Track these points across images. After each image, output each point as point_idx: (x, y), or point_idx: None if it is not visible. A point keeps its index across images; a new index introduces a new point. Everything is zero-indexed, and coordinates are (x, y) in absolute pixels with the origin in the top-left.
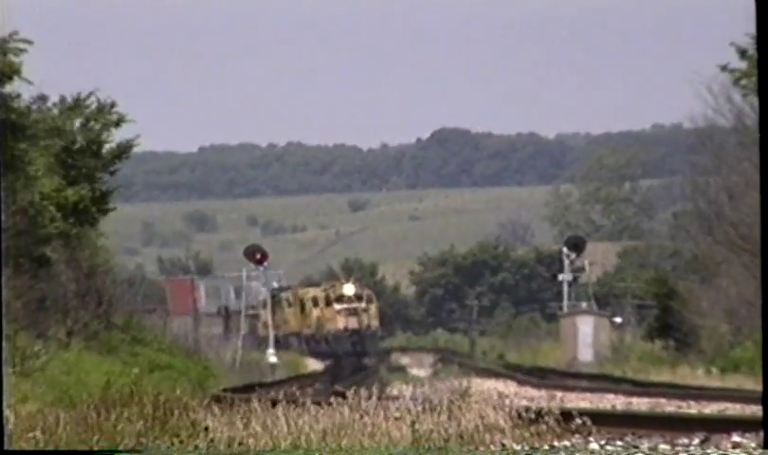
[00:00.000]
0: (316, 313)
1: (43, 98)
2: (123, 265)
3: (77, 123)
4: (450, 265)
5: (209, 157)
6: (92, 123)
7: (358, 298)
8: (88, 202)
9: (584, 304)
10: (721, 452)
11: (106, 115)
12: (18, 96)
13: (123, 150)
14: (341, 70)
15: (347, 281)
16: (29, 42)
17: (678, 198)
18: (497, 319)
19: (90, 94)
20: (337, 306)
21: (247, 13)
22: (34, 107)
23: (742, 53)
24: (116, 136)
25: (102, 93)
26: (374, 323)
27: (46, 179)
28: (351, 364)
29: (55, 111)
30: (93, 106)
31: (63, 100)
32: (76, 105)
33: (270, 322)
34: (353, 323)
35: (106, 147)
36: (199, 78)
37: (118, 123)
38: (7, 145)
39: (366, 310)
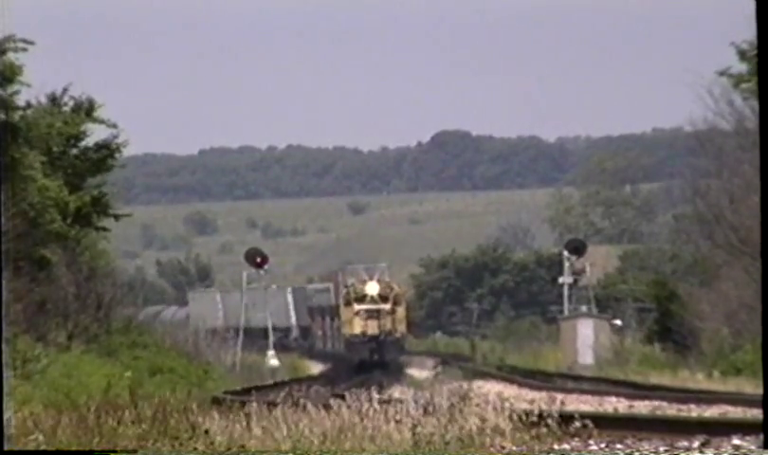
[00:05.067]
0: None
1: (29, 104)
2: (123, 269)
3: (58, 123)
4: (451, 268)
5: (209, 160)
6: (72, 119)
7: (383, 298)
8: (90, 208)
9: (584, 307)
10: None
11: (84, 109)
12: (16, 92)
13: (110, 149)
14: (342, 73)
15: (370, 278)
16: (30, 42)
17: (678, 201)
18: (497, 322)
19: (64, 90)
20: (356, 307)
21: (248, 17)
22: (30, 111)
23: (742, 54)
24: (99, 134)
25: (77, 89)
26: (400, 328)
27: (46, 180)
28: (352, 368)
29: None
30: (70, 103)
31: (39, 102)
32: (53, 104)
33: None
34: (372, 327)
35: (84, 142)
36: (200, 81)
37: (88, 113)
38: (5, 147)
39: (391, 313)
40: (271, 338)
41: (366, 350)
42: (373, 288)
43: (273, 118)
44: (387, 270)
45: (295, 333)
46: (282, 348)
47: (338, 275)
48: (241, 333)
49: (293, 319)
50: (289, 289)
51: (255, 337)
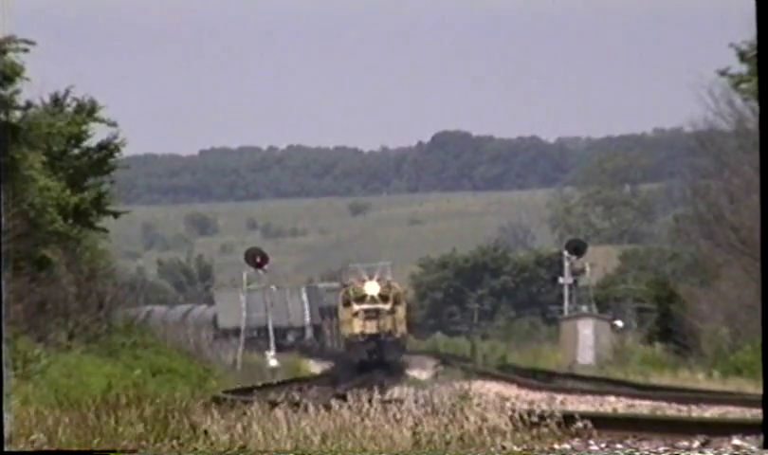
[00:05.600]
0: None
1: (29, 104)
2: (125, 269)
3: (60, 123)
4: (451, 269)
5: (209, 160)
6: (74, 119)
7: (383, 298)
8: (89, 205)
9: (584, 307)
10: None
11: (86, 110)
12: (17, 92)
13: (109, 149)
14: (342, 73)
15: (370, 278)
16: (31, 43)
17: (678, 201)
18: (497, 323)
19: (67, 92)
20: (355, 307)
21: (249, 17)
22: (30, 111)
23: (742, 56)
24: (100, 135)
25: (80, 90)
26: (400, 329)
27: (47, 180)
28: (353, 368)
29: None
30: (73, 104)
31: (43, 102)
32: (56, 105)
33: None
34: (371, 327)
35: (86, 142)
36: (200, 81)
37: (90, 114)
38: (6, 147)
39: (391, 313)
40: (272, 338)
41: (365, 350)
42: (372, 288)
43: (273, 119)
44: (389, 269)
45: (309, 332)
46: (299, 348)
47: (342, 275)
48: (242, 333)
49: (308, 319)
50: (304, 288)
51: (275, 338)
